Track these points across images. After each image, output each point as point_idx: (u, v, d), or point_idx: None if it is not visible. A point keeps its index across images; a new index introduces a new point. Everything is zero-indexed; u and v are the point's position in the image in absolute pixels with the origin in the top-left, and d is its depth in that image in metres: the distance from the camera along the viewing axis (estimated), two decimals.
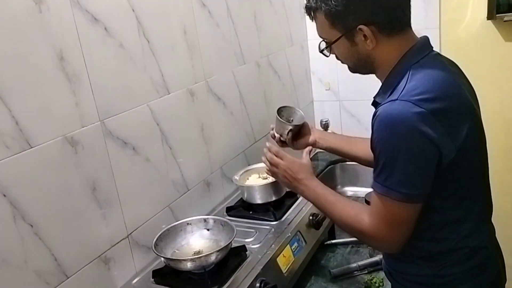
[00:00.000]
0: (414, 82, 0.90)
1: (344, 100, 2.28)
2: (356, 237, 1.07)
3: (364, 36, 0.95)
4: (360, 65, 1.03)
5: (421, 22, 1.99)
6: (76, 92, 1.03)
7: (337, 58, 1.07)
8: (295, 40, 2.12)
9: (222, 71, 1.57)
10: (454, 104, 0.90)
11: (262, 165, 1.58)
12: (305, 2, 1.03)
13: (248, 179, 1.54)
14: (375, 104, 1.05)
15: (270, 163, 1.25)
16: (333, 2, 0.94)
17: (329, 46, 1.03)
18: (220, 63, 1.56)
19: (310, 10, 1.01)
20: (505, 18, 1.85)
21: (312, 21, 1.04)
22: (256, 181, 1.51)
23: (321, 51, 1.07)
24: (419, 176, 0.89)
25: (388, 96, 0.93)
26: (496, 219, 1.07)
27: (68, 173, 1.02)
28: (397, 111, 0.87)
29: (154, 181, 1.27)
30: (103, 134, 1.10)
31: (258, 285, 1.12)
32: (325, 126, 2.11)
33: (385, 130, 0.89)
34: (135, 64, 1.19)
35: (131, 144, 1.18)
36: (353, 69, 1.07)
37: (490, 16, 1.88)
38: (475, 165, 0.98)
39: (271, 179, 1.48)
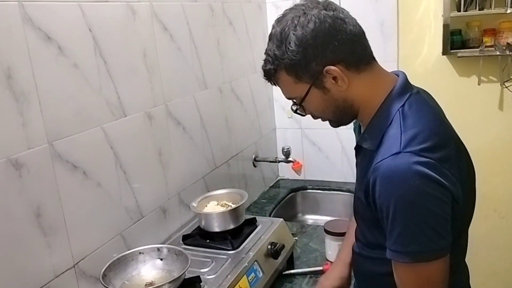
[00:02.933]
0: (411, 129, 0.85)
1: (306, 128, 2.29)
2: None
3: (334, 78, 0.90)
4: (339, 113, 0.96)
5: (381, 56, 2.01)
6: (24, 112, 0.98)
7: (313, 117, 1.01)
8: (259, 67, 2.11)
9: (183, 95, 1.54)
10: (452, 147, 0.88)
11: (221, 191, 1.55)
12: (262, 67, 0.97)
13: (206, 206, 1.50)
14: (359, 148, 1.00)
15: None
16: (290, 53, 0.89)
17: (301, 103, 0.96)
18: (181, 87, 1.54)
19: (270, 73, 0.95)
20: (459, 54, 1.93)
21: (275, 85, 0.98)
22: (215, 208, 1.47)
23: (296, 111, 1.00)
24: (443, 224, 0.83)
25: (380, 144, 0.89)
26: None
27: (10, 197, 0.95)
28: (404, 165, 0.81)
29: (106, 207, 1.21)
30: (51, 157, 1.04)
31: None
32: (287, 154, 2.11)
33: (397, 188, 0.82)
34: (90, 85, 1.15)
35: (81, 168, 1.13)
36: (335, 122, 1.01)
37: (444, 52, 1.96)
38: (469, 206, 0.96)
39: (230, 206, 1.45)
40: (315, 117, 1.02)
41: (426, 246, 0.82)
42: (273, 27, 0.93)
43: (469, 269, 1.05)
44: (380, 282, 1.00)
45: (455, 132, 0.96)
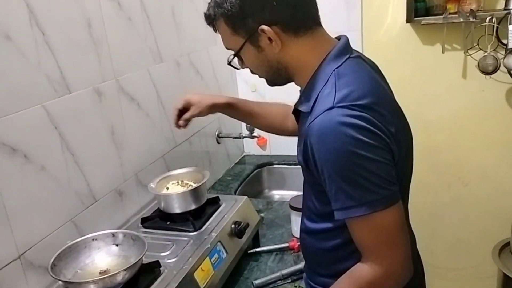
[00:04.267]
0: (345, 88, 0.83)
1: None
2: None
3: (269, 39, 0.88)
4: (273, 73, 0.95)
5: (344, 24, 1.98)
6: None
7: (251, 71, 0.99)
8: (219, 39, 2.03)
9: (135, 69, 1.44)
10: (387, 108, 0.85)
11: (181, 171, 1.48)
12: (205, 11, 0.95)
13: (166, 186, 1.42)
14: (296, 113, 0.98)
15: None
16: (228, 5, 0.87)
17: (236, 55, 0.95)
18: (133, 61, 1.43)
19: (210, 18, 0.94)
20: (423, 22, 1.89)
21: (216, 31, 0.96)
22: (175, 189, 1.39)
23: (229, 63, 0.99)
24: (387, 170, 0.81)
25: (314, 105, 0.86)
26: (414, 219, 1.04)
27: None
28: (338, 118, 0.79)
29: (52, 192, 1.12)
30: None
31: None
32: (251, 129, 2.05)
33: (332, 143, 0.79)
34: (26, 59, 1.04)
35: (21, 151, 1.03)
36: (269, 81, 0.99)
37: (408, 20, 1.91)
38: (408, 168, 0.94)
39: (190, 186, 1.38)
40: (252, 73, 1.00)
41: (378, 194, 0.80)
42: None
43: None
44: (327, 258, 0.98)
45: (393, 97, 0.95)
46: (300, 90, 0.97)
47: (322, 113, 0.81)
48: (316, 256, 1.03)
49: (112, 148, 1.34)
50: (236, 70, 1.03)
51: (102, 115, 1.29)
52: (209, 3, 0.94)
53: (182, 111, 1.29)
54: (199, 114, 1.28)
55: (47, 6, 1.09)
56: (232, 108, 1.29)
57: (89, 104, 1.24)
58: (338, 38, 0.95)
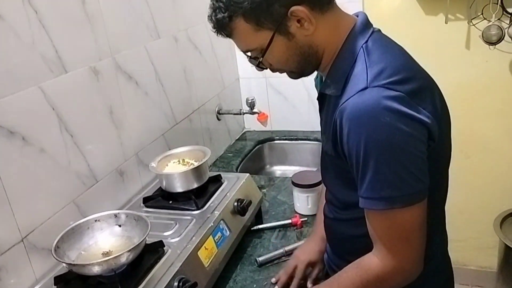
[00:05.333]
0: (377, 64, 0.78)
1: (270, 77, 2.19)
2: None
3: (299, 21, 0.81)
4: (304, 62, 0.87)
5: None
6: None
7: (272, 70, 0.90)
8: None
9: (132, 46, 1.40)
10: (423, 81, 0.82)
11: (183, 149, 1.46)
12: (211, 17, 0.85)
13: (167, 165, 1.41)
14: (322, 97, 0.92)
15: None
16: None
17: (265, 53, 0.84)
18: (130, 38, 1.39)
19: (223, 23, 0.83)
20: None
21: (227, 37, 0.86)
22: (176, 168, 1.38)
23: (258, 65, 0.89)
24: (418, 165, 0.76)
25: (345, 86, 0.80)
26: None
27: None
28: (373, 100, 0.74)
29: (52, 174, 1.10)
30: None
31: (176, 284, 1.01)
32: (252, 105, 2.02)
33: (366, 127, 0.74)
34: (20, 38, 1.01)
35: (19, 134, 1.01)
36: (297, 73, 0.91)
37: None
38: (448, 144, 0.90)
39: (192, 164, 1.37)
40: (274, 70, 0.92)
41: (401, 190, 0.76)
42: None
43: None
44: (357, 245, 0.92)
45: (425, 70, 0.89)
46: (315, 77, 0.91)
47: (355, 94, 0.76)
48: (345, 242, 1.00)
49: (111, 128, 1.32)
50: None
51: (100, 95, 1.26)
52: (215, 7, 0.84)
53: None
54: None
55: None
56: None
57: (86, 84, 1.21)
58: (355, 15, 0.90)
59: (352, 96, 0.77)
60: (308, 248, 1.18)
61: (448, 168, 0.95)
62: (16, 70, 1.00)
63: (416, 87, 0.78)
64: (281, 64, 0.89)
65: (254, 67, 0.92)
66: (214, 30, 0.88)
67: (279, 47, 0.84)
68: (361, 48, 0.82)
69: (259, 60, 0.88)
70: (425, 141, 0.78)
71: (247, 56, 0.90)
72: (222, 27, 0.85)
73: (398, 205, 0.77)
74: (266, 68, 0.91)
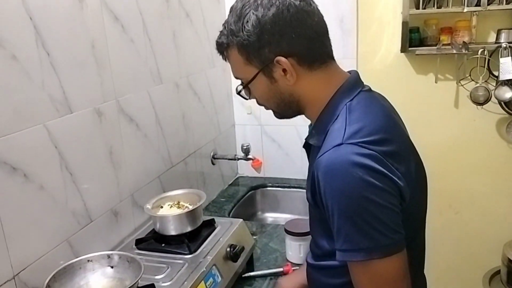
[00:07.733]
0: (356, 123, 0.82)
1: (265, 125, 2.25)
2: None
3: (284, 70, 0.87)
4: (283, 106, 0.93)
5: (340, 52, 2.03)
6: None
7: (258, 103, 0.97)
8: (217, 61, 2.06)
9: (136, 91, 1.45)
10: (400, 145, 0.85)
11: (177, 192, 1.48)
12: (216, 38, 0.93)
13: (162, 207, 1.42)
14: (307, 146, 0.97)
15: None
16: (245, 32, 0.85)
17: (247, 86, 0.93)
18: (134, 82, 1.44)
19: (222, 47, 0.92)
20: (417, 52, 1.95)
21: (226, 60, 0.94)
22: (170, 210, 1.39)
23: (239, 93, 0.97)
24: (392, 217, 0.78)
25: (324, 139, 0.85)
26: None
27: None
28: (346, 156, 0.77)
29: (49, 211, 1.11)
30: None
31: None
32: (246, 151, 2.06)
33: (338, 181, 0.77)
34: (31, 78, 1.05)
35: (21, 170, 1.02)
36: (278, 113, 0.98)
37: (403, 49, 1.97)
38: (421, 208, 0.93)
39: (187, 207, 1.38)
40: (259, 104, 0.98)
41: (378, 242, 0.78)
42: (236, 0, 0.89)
43: (424, 263, 1.02)
44: None
45: (406, 132, 0.94)
46: (309, 125, 0.97)
47: (331, 148, 0.80)
48: None
49: (109, 168, 1.34)
50: (232, 92, 1.02)
51: (102, 135, 1.29)
52: (221, 31, 0.92)
53: None
54: None
55: (53, 26, 1.10)
56: None
57: (89, 124, 1.24)
58: (348, 72, 0.95)
59: (328, 151, 0.81)
60: (294, 278, 1.20)
61: (423, 229, 0.97)
62: (25, 109, 1.03)
63: (392, 149, 0.81)
64: (262, 100, 0.96)
65: (238, 94, 0.99)
66: (216, 50, 0.95)
67: (261, 86, 0.91)
68: (345, 106, 0.86)
69: (240, 89, 0.96)
70: (397, 196, 0.80)
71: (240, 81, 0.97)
72: (221, 50, 0.93)
73: (376, 255, 0.78)
74: (248, 99, 0.98)
